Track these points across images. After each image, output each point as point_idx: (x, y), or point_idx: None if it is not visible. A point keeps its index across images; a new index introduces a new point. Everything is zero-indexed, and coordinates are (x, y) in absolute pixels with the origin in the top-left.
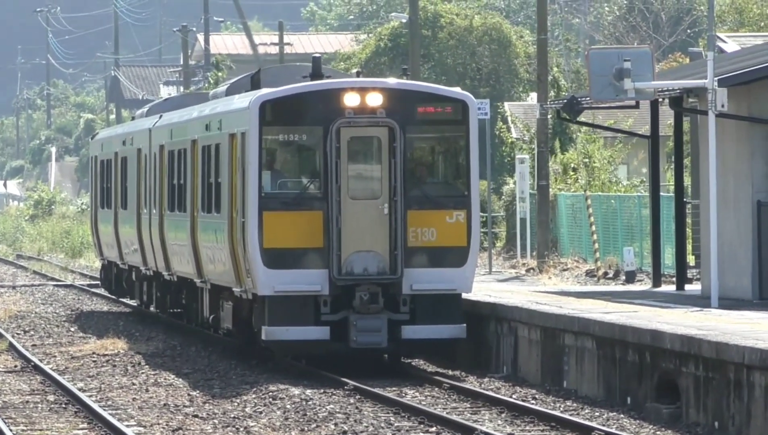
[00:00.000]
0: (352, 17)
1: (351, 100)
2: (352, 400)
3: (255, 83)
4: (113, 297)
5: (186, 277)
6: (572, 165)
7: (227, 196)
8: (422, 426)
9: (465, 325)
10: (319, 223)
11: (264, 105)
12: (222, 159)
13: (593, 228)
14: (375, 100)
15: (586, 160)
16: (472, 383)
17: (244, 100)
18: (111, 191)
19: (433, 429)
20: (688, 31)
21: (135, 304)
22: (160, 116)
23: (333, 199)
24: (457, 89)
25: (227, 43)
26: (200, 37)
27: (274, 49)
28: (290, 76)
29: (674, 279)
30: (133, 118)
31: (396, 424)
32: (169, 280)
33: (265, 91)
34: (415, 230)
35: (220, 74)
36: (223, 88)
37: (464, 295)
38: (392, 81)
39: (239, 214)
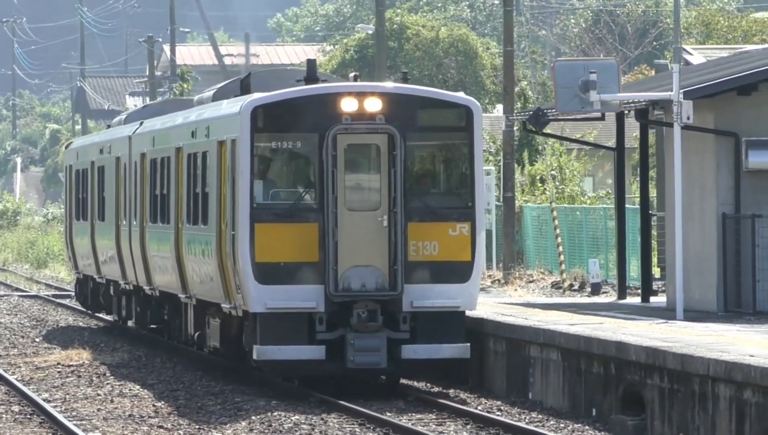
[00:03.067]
0: (318, 29)
1: (348, 105)
2: (317, 411)
3: (244, 88)
4: (89, 312)
5: (169, 291)
6: (540, 176)
7: (215, 206)
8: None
9: (469, 344)
10: (314, 235)
11: (256, 110)
12: (210, 168)
13: (559, 240)
14: (374, 105)
15: (554, 172)
16: (437, 395)
17: (234, 105)
18: (87, 202)
19: None
20: (654, 43)
21: (111, 319)
22: (141, 123)
23: (329, 211)
24: (461, 94)
25: (193, 54)
26: (166, 47)
27: (241, 60)
28: (282, 81)
29: (639, 291)
30: (108, 127)
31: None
32: (150, 295)
33: (257, 96)
34: (416, 244)
35: (185, 85)
36: (209, 93)
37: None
38: (392, 85)
39: (229, 226)
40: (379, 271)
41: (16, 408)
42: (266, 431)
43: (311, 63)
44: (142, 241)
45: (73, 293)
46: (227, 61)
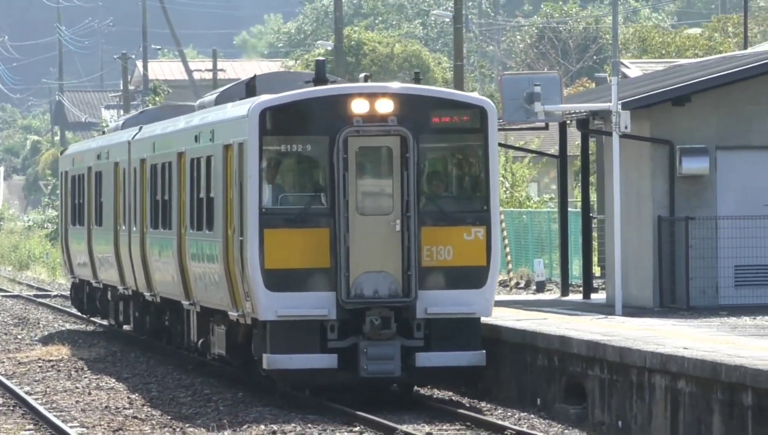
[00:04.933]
0: (281, 45)
1: (359, 106)
2: (281, 402)
3: (250, 90)
4: (84, 316)
5: (171, 298)
6: None
7: (221, 212)
8: (347, 427)
9: (484, 351)
10: (325, 241)
11: (264, 112)
12: (215, 172)
13: (506, 241)
14: (385, 106)
15: (503, 178)
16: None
17: (241, 107)
18: (84, 207)
19: (357, 428)
20: (594, 57)
21: (107, 324)
22: (140, 128)
23: (340, 215)
24: (475, 94)
25: (164, 69)
26: (139, 63)
27: (209, 75)
28: (287, 83)
29: (581, 288)
30: (103, 133)
31: (322, 426)
32: (151, 301)
33: (266, 98)
34: (430, 249)
35: (157, 98)
36: (211, 97)
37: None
38: (404, 86)
39: (236, 232)
40: (392, 277)
41: (0, 400)
42: (233, 421)
43: (320, 64)
44: (142, 247)
45: (52, 293)
46: (196, 75)
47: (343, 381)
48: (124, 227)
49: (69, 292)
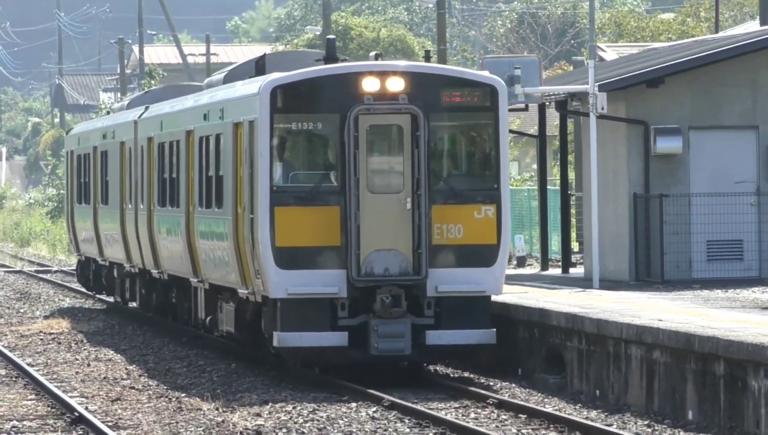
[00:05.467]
0: (272, 30)
1: (370, 84)
2: (273, 373)
3: (260, 69)
4: (90, 293)
5: (178, 275)
6: None
7: (231, 190)
8: (336, 396)
9: (494, 330)
10: (335, 219)
11: (275, 90)
12: (224, 150)
13: None
14: (396, 84)
15: None
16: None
17: (251, 85)
18: (90, 186)
19: (344, 398)
20: (572, 41)
21: (112, 301)
22: (146, 108)
23: (351, 193)
24: (486, 73)
25: (159, 53)
26: (135, 48)
27: (202, 59)
28: (297, 62)
29: (560, 263)
30: (108, 113)
31: (312, 395)
32: (158, 278)
33: (277, 75)
34: (441, 227)
35: (152, 82)
36: (220, 75)
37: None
38: (415, 64)
39: (246, 209)
40: (403, 255)
41: (2, 371)
42: (227, 391)
43: (330, 42)
44: (149, 225)
45: (52, 269)
46: (190, 59)
47: (354, 359)
48: (130, 205)
49: (75, 270)
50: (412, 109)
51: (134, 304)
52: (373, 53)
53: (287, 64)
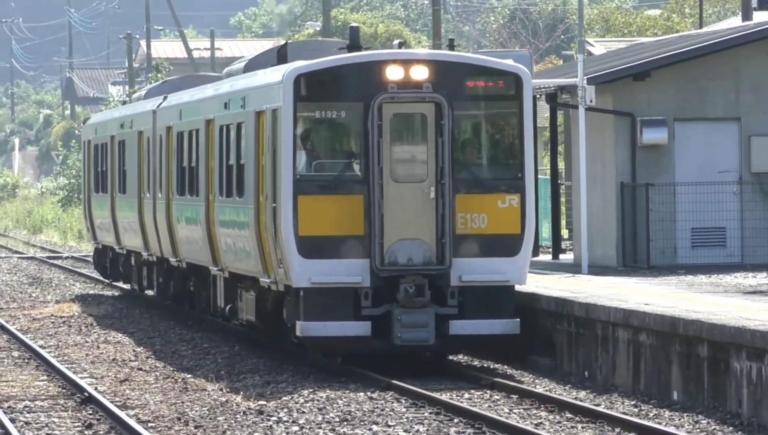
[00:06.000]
0: (274, 25)
1: (394, 73)
2: (275, 356)
3: (281, 57)
4: (107, 280)
5: (197, 263)
6: None
7: (252, 179)
8: (336, 378)
9: (518, 319)
10: (359, 208)
11: (299, 78)
12: (246, 139)
13: None
14: (420, 73)
15: None
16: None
17: (274, 73)
18: (107, 175)
19: (342, 380)
20: (562, 37)
21: (128, 288)
22: (165, 97)
23: (375, 182)
24: (510, 61)
25: (166, 48)
26: (143, 43)
27: (207, 54)
28: (318, 51)
29: (551, 250)
30: (123, 103)
31: (312, 376)
32: (176, 266)
33: (300, 64)
34: (464, 216)
35: (159, 75)
36: (240, 64)
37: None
38: (439, 52)
39: (269, 198)
40: (427, 244)
41: (16, 353)
42: (230, 372)
43: (354, 30)
44: (168, 214)
45: (63, 256)
46: (195, 54)
47: (377, 348)
48: (148, 194)
49: (91, 257)
50: (436, 98)
51: (150, 292)
52: (396, 41)
53: (309, 53)
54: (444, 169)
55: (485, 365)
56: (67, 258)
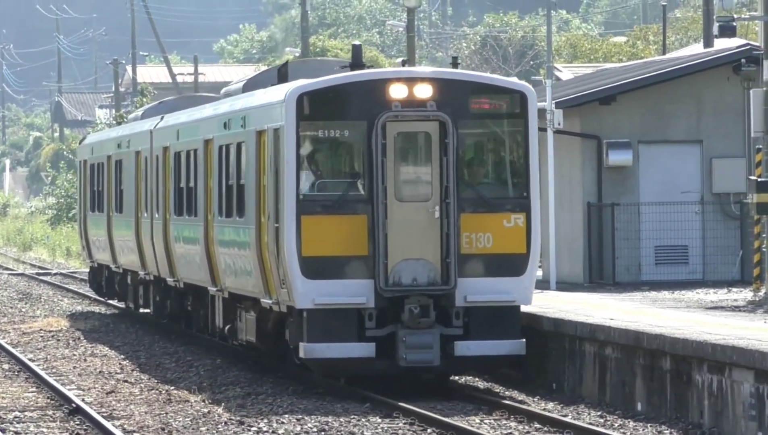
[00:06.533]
0: (254, 51)
1: (398, 91)
2: (255, 368)
3: (282, 76)
4: (102, 299)
5: (196, 283)
6: None
7: (254, 198)
8: (314, 389)
9: (524, 340)
10: (363, 228)
11: (302, 97)
12: (246, 159)
13: None
14: (424, 91)
15: None
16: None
17: (276, 92)
18: (103, 195)
19: (321, 391)
20: (531, 62)
21: (123, 306)
22: (162, 117)
23: (378, 202)
24: (514, 79)
25: (151, 73)
26: (129, 68)
27: (190, 78)
28: (319, 70)
29: None
30: (110, 126)
31: (291, 388)
32: (173, 286)
33: (303, 82)
34: (469, 236)
35: (144, 99)
36: (238, 84)
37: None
38: (443, 70)
39: (271, 218)
40: (431, 264)
41: (6, 366)
42: (212, 384)
43: (357, 49)
44: (165, 234)
45: (52, 272)
46: (179, 79)
47: (381, 370)
48: (146, 214)
49: (87, 276)
50: (441, 116)
51: (146, 311)
52: (399, 59)
53: (310, 72)
54: (449, 188)
55: (456, 378)
56: (55, 274)
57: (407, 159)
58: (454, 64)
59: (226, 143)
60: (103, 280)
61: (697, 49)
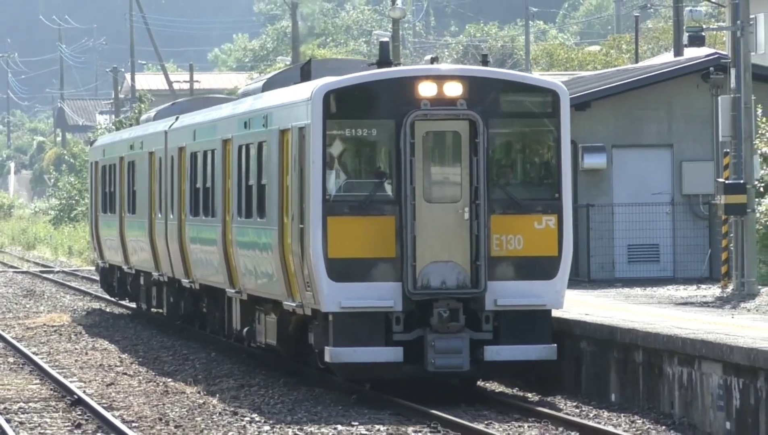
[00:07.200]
0: (247, 60)
1: (427, 89)
2: (249, 361)
3: (305, 75)
4: (113, 299)
5: (212, 285)
6: None
7: (276, 199)
8: (305, 381)
9: (555, 345)
10: (390, 229)
11: (328, 95)
12: (268, 158)
13: None
14: (454, 89)
15: None
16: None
17: (301, 90)
18: (115, 196)
19: (307, 382)
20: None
21: (134, 307)
22: (176, 118)
23: (407, 203)
24: (547, 77)
25: (149, 80)
26: (128, 76)
27: (186, 85)
28: (341, 69)
29: None
30: (117, 128)
31: (282, 380)
32: (189, 287)
33: (329, 80)
34: (500, 238)
35: (143, 105)
36: (257, 84)
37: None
38: (474, 68)
39: (295, 219)
40: (460, 267)
41: (11, 359)
42: (207, 376)
43: (384, 45)
44: (180, 235)
45: (54, 270)
46: (176, 86)
47: (409, 375)
48: (160, 215)
49: (94, 275)
50: (471, 115)
51: (156, 311)
52: (428, 56)
53: (333, 71)
54: (479, 188)
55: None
56: (58, 272)
57: (436, 159)
58: (484, 61)
59: (246, 143)
60: (115, 280)
61: (667, 57)
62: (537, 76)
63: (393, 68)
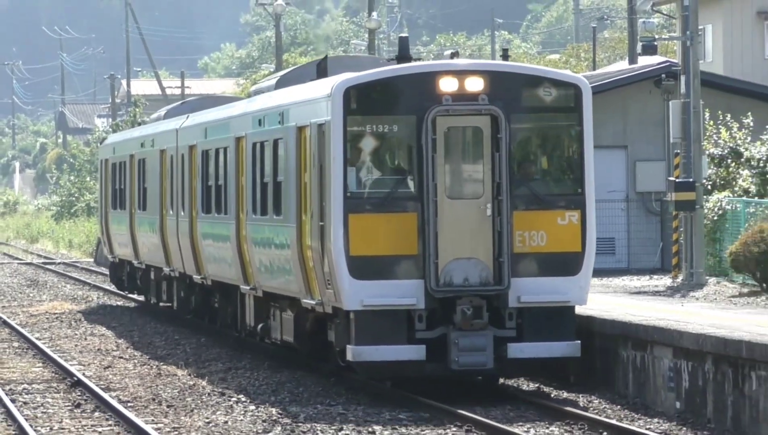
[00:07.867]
0: (234, 67)
1: (448, 84)
2: (237, 347)
3: (321, 71)
4: (123, 293)
5: (225, 281)
6: None
7: (293, 196)
8: (287, 363)
9: (579, 342)
10: (412, 226)
11: (349, 91)
12: (285, 156)
13: None
14: (476, 84)
15: None
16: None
17: (319, 87)
18: (125, 193)
19: (290, 365)
20: None
21: (143, 300)
22: (187, 117)
23: (429, 199)
24: (569, 72)
25: (143, 86)
26: (124, 82)
27: (177, 91)
28: (357, 66)
29: None
30: (114, 131)
31: (267, 363)
32: (201, 283)
33: (349, 76)
34: (522, 234)
35: (137, 110)
36: (270, 81)
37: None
38: (495, 63)
39: (315, 217)
40: (483, 263)
41: (16, 344)
42: (197, 360)
43: (404, 40)
44: (192, 231)
45: (56, 262)
46: (168, 91)
47: (431, 373)
48: (171, 212)
49: (98, 269)
50: (493, 110)
51: (166, 305)
52: (448, 51)
53: (349, 67)
54: (501, 184)
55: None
56: (59, 264)
57: (458, 155)
58: (505, 56)
59: (260, 140)
60: (125, 274)
61: (623, 65)
62: (558, 70)
63: (413, 63)
